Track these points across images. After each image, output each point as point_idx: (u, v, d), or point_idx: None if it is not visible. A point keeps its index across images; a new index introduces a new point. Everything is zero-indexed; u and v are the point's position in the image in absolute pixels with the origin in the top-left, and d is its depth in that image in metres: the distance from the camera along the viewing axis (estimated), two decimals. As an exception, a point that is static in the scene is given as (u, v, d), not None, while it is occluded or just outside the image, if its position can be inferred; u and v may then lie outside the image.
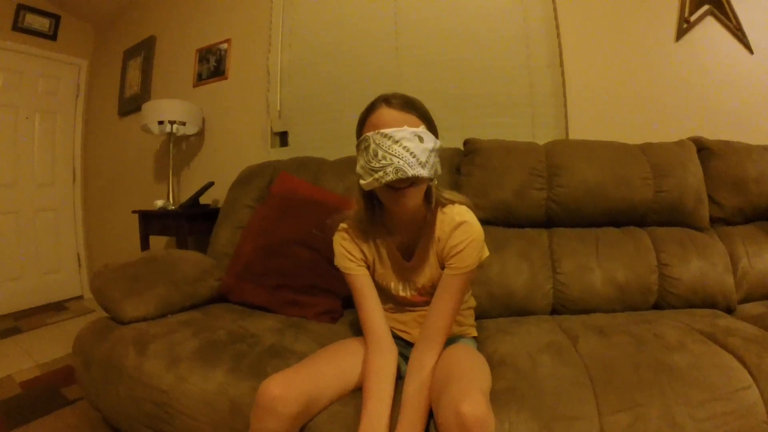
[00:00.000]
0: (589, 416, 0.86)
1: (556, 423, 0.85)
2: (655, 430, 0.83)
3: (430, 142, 0.91)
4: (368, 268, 1.09)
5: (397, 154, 0.86)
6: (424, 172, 0.88)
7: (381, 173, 0.87)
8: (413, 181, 0.90)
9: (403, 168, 0.86)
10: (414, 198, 0.93)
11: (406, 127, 0.88)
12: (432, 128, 0.97)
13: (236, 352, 1.18)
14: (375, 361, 0.96)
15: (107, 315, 1.51)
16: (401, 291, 1.11)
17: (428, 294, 1.06)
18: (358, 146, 0.95)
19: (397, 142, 0.87)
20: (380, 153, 0.87)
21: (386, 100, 0.94)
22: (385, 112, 0.92)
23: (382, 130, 0.88)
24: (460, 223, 0.98)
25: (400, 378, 1.00)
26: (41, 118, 3.49)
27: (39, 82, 3.46)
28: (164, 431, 1.13)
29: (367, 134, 0.91)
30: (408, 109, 0.93)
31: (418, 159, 0.87)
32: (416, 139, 0.88)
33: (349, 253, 1.06)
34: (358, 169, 0.94)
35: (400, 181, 0.88)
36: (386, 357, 0.98)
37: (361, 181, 0.94)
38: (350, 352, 1.04)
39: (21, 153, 3.37)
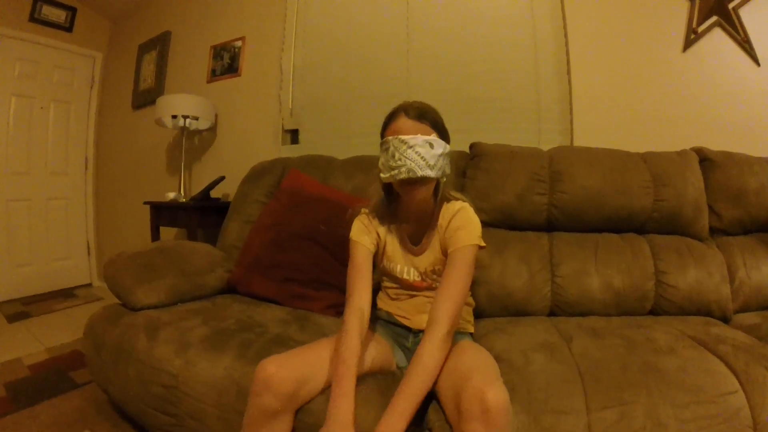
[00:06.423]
0: (578, 411, 0.90)
1: (545, 416, 0.89)
2: (640, 427, 0.87)
3: (440, 148, 1.06)
4: (378, 251, 1.20)
5: (410, 158, 1.02)
6: (431, 174, 1.04)
7: (396, 171, 1.04)
8: (422, 179, 1.04)
9: (414, 169, 1.02)
10: (422, 192, 1.09)
11: (419, 136, 1.04)
12: (443, 135, 1.12)
13: (243, 340, 1.22)
14: (351, 329, 1.01)
15: (118, 302, 1.56)
16: (405, 274, 1.20)
17: (430, 279, 1.19)
18: (381, 146, 1.10)
19: (411, 147, 1.03)
20: (397, 155, 1.04)
21: (405, 110, 1.10)
22: (403, 121, 1.08)
23: (399, 136, 1.04)
24: (458, 210, 1.12)
25: (399, 367, 1.09)
26: (55, 108, 3.55)
27: (54, 72, 3.51)
28: (170, 413, 1.18)
29: (388, 138, 1.07)
30: (422, 119, 1.08)
31: (427, 162, 1.03)
32: (427, 145, 1.04)
33: (366, 228, 1.19)
34: (380, 164, 1.10)
35: (411, 179, 1.03)
36: (360, 325, 1.04)
37: (381, 175, 1.10)
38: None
39: (35, 141, 3.43)
